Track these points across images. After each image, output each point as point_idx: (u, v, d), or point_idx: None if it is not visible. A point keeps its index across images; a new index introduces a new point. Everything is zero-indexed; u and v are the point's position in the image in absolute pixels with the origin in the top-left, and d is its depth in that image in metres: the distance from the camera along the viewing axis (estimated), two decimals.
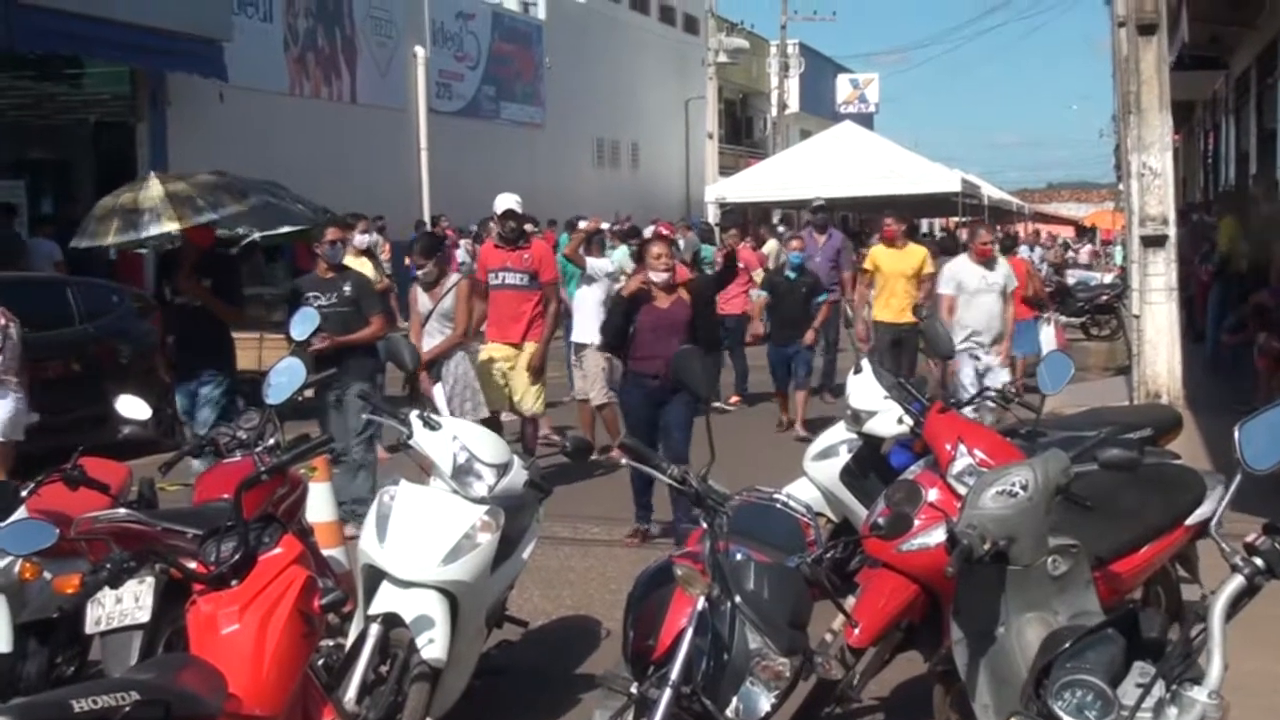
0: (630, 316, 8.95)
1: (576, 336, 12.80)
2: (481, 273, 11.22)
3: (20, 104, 21.36)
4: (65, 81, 21.38)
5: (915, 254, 14.19)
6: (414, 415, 5.87)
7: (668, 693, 3.85)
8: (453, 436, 5.74)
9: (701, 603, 3.98)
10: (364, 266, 13.33)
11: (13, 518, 5.43)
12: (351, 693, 5.15)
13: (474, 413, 9.96)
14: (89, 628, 5.47)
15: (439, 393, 9.03)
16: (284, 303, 15.17)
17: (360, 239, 13.88)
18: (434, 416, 5.89)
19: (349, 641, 5.57)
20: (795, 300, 14.04)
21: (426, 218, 25.36)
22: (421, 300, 10.69)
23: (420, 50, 28.46)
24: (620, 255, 15.56)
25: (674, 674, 3.87)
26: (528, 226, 15.11)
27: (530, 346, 10.91)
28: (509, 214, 11.16)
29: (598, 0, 39.01)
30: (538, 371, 11.03)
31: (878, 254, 14.35)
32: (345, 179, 22.51)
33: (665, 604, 4.17)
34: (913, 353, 13.25)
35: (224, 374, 9.74)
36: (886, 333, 13.39)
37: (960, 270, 11.92)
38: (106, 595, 5.26)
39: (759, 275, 17.78)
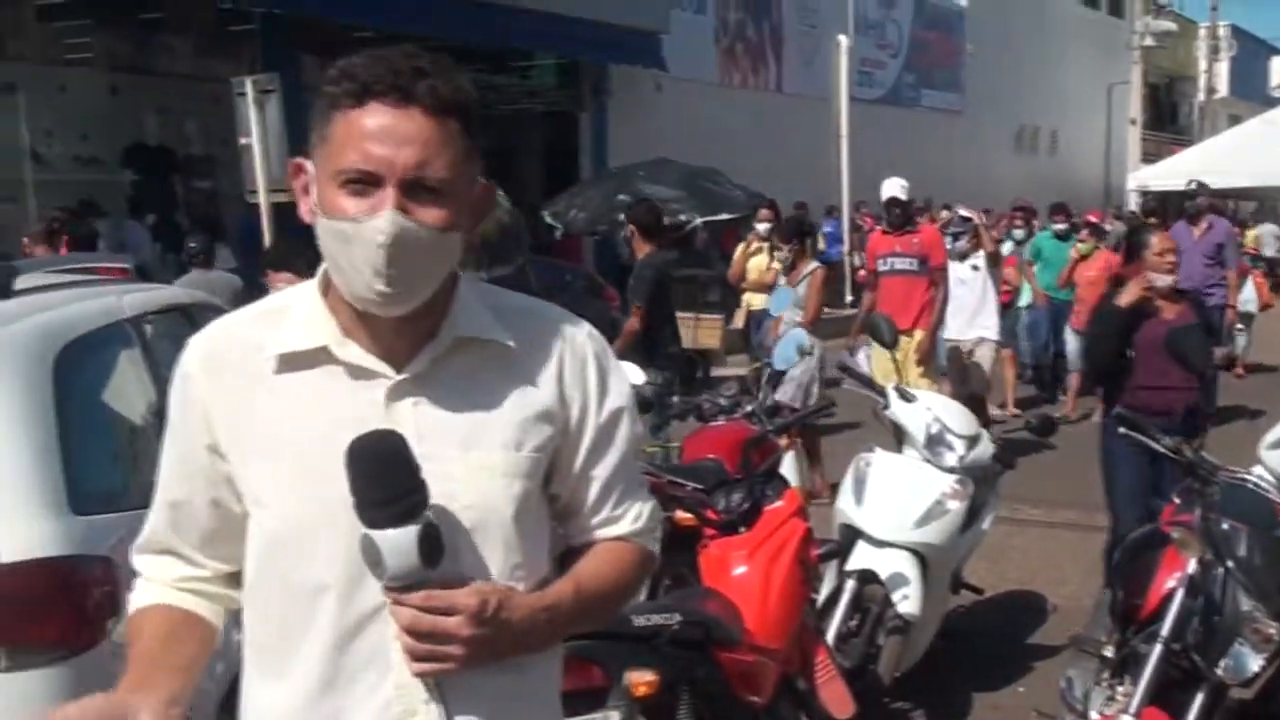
0: (1128, 336, 6.63)
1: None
2: (870, 261, 11.02)
3: None
4: (515, 74, 22.78)
5: None
6: (891, 387, 6.25)
7: (1158, 648, 4.08)
8: (926, 408, 6.09)
9: (1193, 565, 4.19)
10: (761, 255, 13.37)
11: None
12: (829, 641, 5.57)
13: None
14: None
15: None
16: (716, 284, 15.93)
17: (761, 226, 13.98)
18: (908, 389, 6.27)
19: (819, 597, 6.01)
20: None
21: (844, 205, 25.62)
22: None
23: (843, 39, 28.61)
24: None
25: (1165, 630, 4.09)
26: (945, 213, 15.07)
27: (919, 334, 10.45)
28: (893, 201, 10.86)
29: None
30: (927, 359, 10.60)
31: None
32: (770, 167, 23.02)
33: (1154, 567, 4.39)
34: None
35: None
36: None
37: None
38: None
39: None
